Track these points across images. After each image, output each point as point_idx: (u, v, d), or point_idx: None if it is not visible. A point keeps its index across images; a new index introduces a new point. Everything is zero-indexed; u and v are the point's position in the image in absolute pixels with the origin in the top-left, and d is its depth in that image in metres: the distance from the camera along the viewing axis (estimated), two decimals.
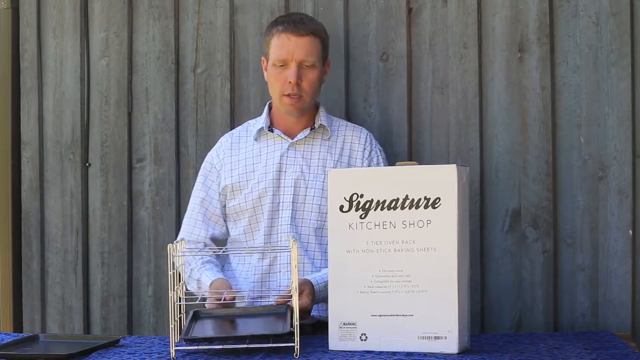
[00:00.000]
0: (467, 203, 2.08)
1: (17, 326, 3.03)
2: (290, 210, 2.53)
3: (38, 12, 3.02)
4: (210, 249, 2.61)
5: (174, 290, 2.00)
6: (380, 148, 2.65)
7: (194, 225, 2.61)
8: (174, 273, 2.00)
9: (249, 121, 2.71)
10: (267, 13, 2.88)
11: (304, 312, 2.31)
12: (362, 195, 2.05)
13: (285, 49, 2.51)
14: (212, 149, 2.69)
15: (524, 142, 2.74)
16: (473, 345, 2.11)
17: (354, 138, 2.61)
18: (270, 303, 2.41)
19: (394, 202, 2.03)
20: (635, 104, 2.70)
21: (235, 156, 2.62)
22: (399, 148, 2.77)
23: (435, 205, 2.01)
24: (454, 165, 2.01)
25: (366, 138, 2.62)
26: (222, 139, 2.69)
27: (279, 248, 2.50)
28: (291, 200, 2.53)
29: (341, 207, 2.06)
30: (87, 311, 2.98)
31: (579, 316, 2.71)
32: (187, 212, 2.65)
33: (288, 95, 2.52)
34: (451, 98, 2.78)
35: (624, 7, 2.70)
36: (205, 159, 2.69)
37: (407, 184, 2.03)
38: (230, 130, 2.87)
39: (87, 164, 2.99)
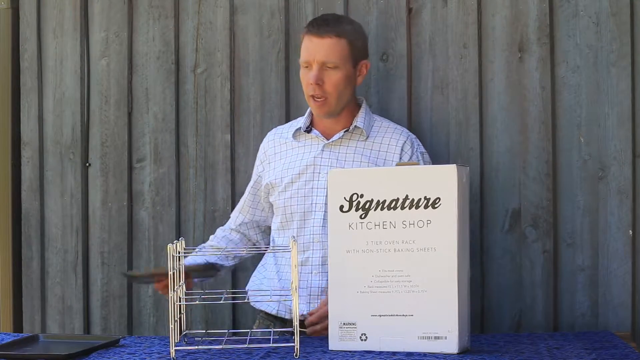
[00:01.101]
0: (467, 203, 2.08)
1: (17, 326, 3.03)
2: (323, 212, 2.51)
3: (38, 12, 3.02)
4: (211, 247, 2.62)
5: (174, 290, 2.00)
6: (424, 151, 2.61)
7: (237, 211, 2.71)
8: (174, 273, 2.00)
9: (297, 119, 2.71)
10: (267, 13, 2.88)
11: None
12: (362, 195, 2.05)
13: (308, 51, 2.51)
14: (263, 140, 2.72)
15: (524, 142, 2.74)
16: (473, 345, 2.11)
17: (392, 140, 2.57)
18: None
19: (394, 202, 2.03)
20: (635, 104, 2.70)
21: (278, 154, 2.64)
22: None
23: (435, 205, 2.01)
24: (454, 165, 2.01)
25: (405, 142, 2.57)
26: (270, 134, 2.71)
27: (278, 248, 2.50)
28: (324, 202, 2.51)
29: (341, 207, 2.06)
30: (87, 311, 2.98)
31: (579, 316, 2.71)
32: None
33: (312, 96, 2.52)
34: (451, 98, 2.78)
35: (624, 7, 2.70)
36: (258, 154, 2.73)
37: (407, 184, 2.02)
38: (230, 129, 2.87)
39: (87, 164, 2.99)
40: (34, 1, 3.02)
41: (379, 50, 2.81)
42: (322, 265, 2.49)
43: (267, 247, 2.55)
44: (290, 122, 2.72)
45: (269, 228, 2.70)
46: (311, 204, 2.53)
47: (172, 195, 2.93)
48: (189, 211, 2.92)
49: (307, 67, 2.52)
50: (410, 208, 2.02)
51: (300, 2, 2.86)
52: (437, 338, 1.99)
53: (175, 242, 2.02)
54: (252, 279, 2.66)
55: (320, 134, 2.59)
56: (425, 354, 1.98)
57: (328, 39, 2.50)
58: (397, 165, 2.13)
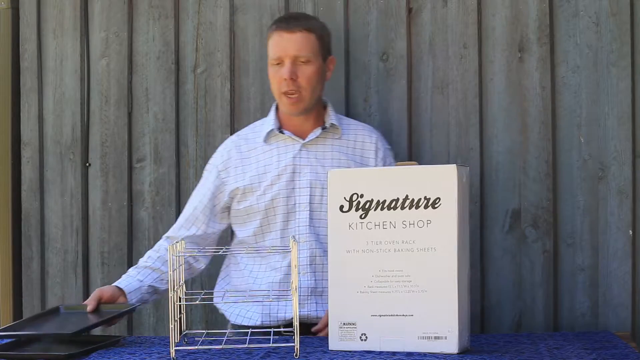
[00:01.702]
0: (467, 203, 2.08)
1: None
2: (308, 211, 2.51)
3: (38, 12, 3.02)
4: (210, 248, 2.61)
5: (174, 290, 2.00)
6: (388, 146, 2.65)
7: (188, 222, 2.62)
8: (174, 273, 2.00)
9: (255, 122, 2.70)
10: (267, 13, 2.88)
11: None
12: (362, 195, 2.05)
13: (279, 47, 2.51)
14: (216, 152, 2.67)
15: (524, 142, 2.74)
16: (473, 345, 2.11)
17: (365, 137, 2.60)
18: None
19: (394, 202, 2.03)
20: (635, 104, 2.70)
21: (246, 159, 2.60)
22: (399, 148, 2.77)
23: (435, 205, 2.01)
24: (454, 165, 2.01)
25: (377, 138, 2.61)
26: (228, 142, 2.66)
27: (277, 248, 2.50)
28: (308, 201, 2.51)
29: (341, 207, 2.06)
30: None
31: (579, 316, 2.71)
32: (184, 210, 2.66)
33: (285, 93, 2.51)
34: (451, 98, 2.78)
35: (624, 7, 2.70)
36: (209, 162, 2.67)
37: (407, 184, 2.02)
38: (230, 129, 2.87)
39: (87, 164, 2.99)
40: (34, 1, 3.02)
41: (379, 50, 2.81)
42: (309, 265, 2.49)
43: (268, 248, 2.53)
44: (248, 127, 2.69)
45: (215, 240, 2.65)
46: (294, 204, 2.53)
47: (172, 195, 2.93)
48: None
49: (278, 63, 2.51)
50: (410, 208, 2.02)
51: (300, 2, 2.86)
52: (437, 338, 1.99)
53: (175, 242, 2.02)
54: (220, 286, 2.64)
55: (292, 134, 2.58)
56: (425, 354, 1.98)
57: (299, 33, 2.50)
58: (396, 165, 2.13)
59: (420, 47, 2.80)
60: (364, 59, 2.83)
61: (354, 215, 2.05)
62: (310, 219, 2.51)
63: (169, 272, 1.99)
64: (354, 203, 2.05)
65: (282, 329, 2.36)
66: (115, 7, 2.97)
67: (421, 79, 2.80)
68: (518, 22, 2.75)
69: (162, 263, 2.55)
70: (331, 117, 2.59)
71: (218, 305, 2.64)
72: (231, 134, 2.87)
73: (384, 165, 2.56)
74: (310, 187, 2.52)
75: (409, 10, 2.81)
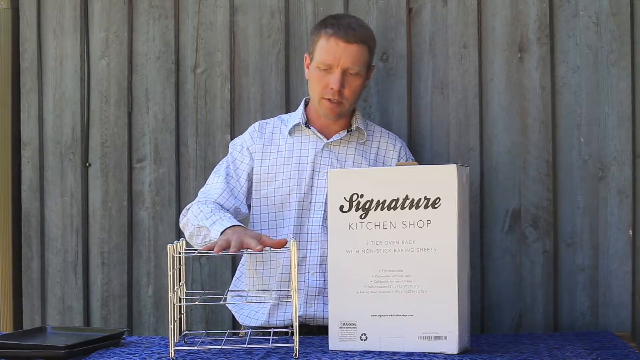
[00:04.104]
0: (467, 203, 2.08)
1: (17, 326, 3.03)
2: (323, 211, 2.50)
3: (38, 12, 3.02)
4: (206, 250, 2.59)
5: (173, 290, 2.00)
6: (413, 158, 2.65)
7: (219, 191, 2.50)
8: (174, 273, 2.00)
9: (282, 115, 2.68)
10: (267, 13, 2.88)
11: None
12: (362, 195, 2.05)
13: (332, 54, 2.46)
14: (243, 134, 2.62)
15: (524, 142, 2.74)
16: (473, 345, 2.11)
17: (389, 145, 2.60)
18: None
19: (394, 202, 2.03)
20: (635, 104, 2.70)
21: (267, 146, 2.58)
22: None
23: (435, 205, 2.01)
24: (454, 165, 2.01)
25: (401, 147, 2.61)
26: (255, 125, 2.62)
27: (277, 250, 2.49)
28: (324, 201, 2.49)
29: (341, 207, 2.06)
30: (87, 311, 2.98)
31: (579, 316, 2.72)
32: (213, 176, 2.57)
33: (328, 99, 2.49)
34: (451, 98, 2.78)
35: (624, 7, 2.70)
36: (235, 141, 2.62)
37: (407, 184, 2.02)
38: (230, 129, 2.87)
39: (87, 164, 2.99)
40: (34, 1, 3.02)
41: (379, 50, 2.81)
42: (319, 265, 2.48)
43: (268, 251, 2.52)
44: (276, 117, 2.66)
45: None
46: (310, 202, 2.52)
47: (172, 195, 2.93)
48: None
49: (326, 69, 2.48)
50: (410, 208, 2.02)
51: (300, 2, 2.86)
52: (437, 338, 1.99)
53: (175, 242, 2.02)
54: (235, 285, 2.62)
55: (317, 132, 2.58)
56: (425, 354, 1.98)
57: (355, 45, 2.46)
58: (397, 165, 2.13)
59: (420, 47, 2.81)
60: None
61: (354, 215, 2.05)
62: (324, 219, 2.49)
63: (169, 273, 1.99)
64: (354, 203, 2.05)
65: (288, 329, 2.35)
66: (115, 7, 2.97)
67: (421, 79, 2.81)
68: (518, 22, 2.75)
69: (219, 208, 2.41)
70: (358, 121, 2.58)
71: (229, 307, 2.63)
72: (231, 134, 2.87)
73: None
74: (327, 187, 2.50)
75: (409, 10, 2.81)
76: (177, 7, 2.94)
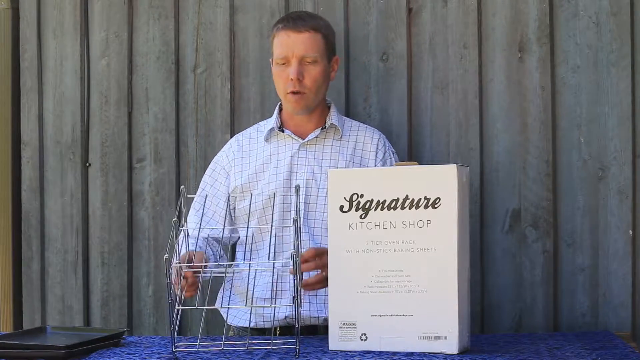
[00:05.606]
0: (467, 203, 2.08)
1: (17, 326, 3.03)
2: (303, 211, 2.50)
3: (38, 12, 3.02)
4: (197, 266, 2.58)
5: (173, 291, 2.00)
6: (394, 150, 2.64)
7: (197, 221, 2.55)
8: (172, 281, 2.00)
9: (260, 122, 2.70)
10: (267, 13, 2.88)
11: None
12: (362, 195, 2.05)
13: (285, 46, 2.50)
14: (220, 151, 2.67)
15: (524, 142, 2.74)
16: (473, 345, 2.11)
17: (366, 139, 2.59)
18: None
19: (394, 202, 2.03)
20: (635, 104, 2.70)
21: (245, 157, 2.60)
22: (399, 148, 2.77)
23: (435, 205, 2.01)
24: (454, 165, 2.01)
25: (379, 139, 2.60)
26: (232, 141, 2.67)
27: (281, 263, 2.47)
28: (303, 201, 2.50)
29: (341, 207, 2.06)
30: (87, 311, 2.98)
31: (579, 316, 2.71)
32: (191, 210, 2.62)
33: (291, 92, 2.51)
34: (451, 98, 2.78)
35: (624, 7, 2.70)
36: (213, 160, 2.67)
37: (407, 184, 2.02)
38: (230, 129, 2.87)
39: (87, 164, 2.99)
40: (34, 1, 3.02)
41: (379, 50, 2.81)
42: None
43: (273, 263, 2.51)
44: (253, 126, 2.69)
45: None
46: (290, 203, 2.52)
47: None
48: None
49: (284, 63, 2.50)
50: (410, 208, 2.02)
51: (300, 2, 2.86)
52: (437, 338, 1.99)
53: (175, 263, 2.02)
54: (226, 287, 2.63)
55: (292, 134, 2.58)
56: (425, 354, 1.98)
57: (306, 33, 2.49)
58: (396, 165, 2.13)
59: (420, 47, 2.80)
60: (364, 59, 2.83)
61: (354, 215, 2.05)
62: (306, 218, 2.51)
63: (166, 282, 1.98)
64: (354, 203, 2.05)
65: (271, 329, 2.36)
66: (115, 7, 2.97)
67: (421, 79, 2.81)
68: (518, 22, 2.75)
69: (203, 241, 2.50)
70: (332, 117, 2.59)
71: (217, 306, 2.64)
72: (231, 134, 2.87)
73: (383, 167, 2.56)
74: (306, 187, 2.52)
75: (409, 10, 2.81)
76: (177, 7, 2.94)
